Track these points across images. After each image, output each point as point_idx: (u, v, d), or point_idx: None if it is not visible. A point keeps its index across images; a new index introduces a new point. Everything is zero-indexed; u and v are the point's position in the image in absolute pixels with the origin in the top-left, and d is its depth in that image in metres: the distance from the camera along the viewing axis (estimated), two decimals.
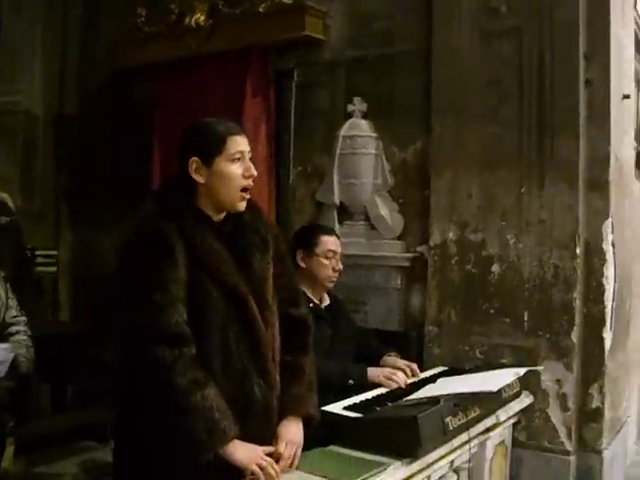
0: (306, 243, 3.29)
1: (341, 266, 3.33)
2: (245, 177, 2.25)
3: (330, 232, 3.40)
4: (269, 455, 2.17)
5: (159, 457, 2.12)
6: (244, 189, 2.25)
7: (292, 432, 2.29)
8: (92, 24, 6.05)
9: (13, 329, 2.55)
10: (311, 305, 3.22)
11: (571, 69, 3.75)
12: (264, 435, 2.22)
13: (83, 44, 6.13)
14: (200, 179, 2.23)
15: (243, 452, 2.09)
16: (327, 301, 3.38)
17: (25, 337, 2.58)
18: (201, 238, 2.20)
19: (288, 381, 2.33)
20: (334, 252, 3.30)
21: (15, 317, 2.57)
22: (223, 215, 2.31)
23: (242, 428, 2.10)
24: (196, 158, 2.22)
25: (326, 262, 3.26)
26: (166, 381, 2.03)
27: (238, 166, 2.24)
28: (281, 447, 2.23)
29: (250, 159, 2.29)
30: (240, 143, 2.26)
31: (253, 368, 2.20)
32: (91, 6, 6.07)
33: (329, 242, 3.31)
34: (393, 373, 3.13)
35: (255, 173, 2.28)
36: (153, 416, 2.10)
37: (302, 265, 3.26)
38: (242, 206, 2.27)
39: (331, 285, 3.36)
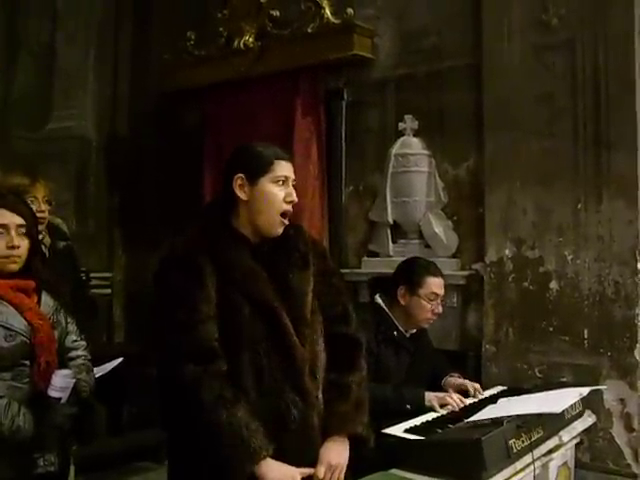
0: (411, 281, 3.22)
1: (441, 309, 3.26)
2: (286, 202, 2.26)
3: (437, 273, 3.28)
4: (307, 478, 2.13)
5: (202, 476, 2.12)
6: (283, 214, 2.27)
7: (334, 454, 2.21)
8: (142, 49, 6.16)
9: (73, 354, 2.55)
10: (395, 333, 3.21)
11: (627, 81, 3.68)
12: (304, 457, 2.17)
13: (134, 69, 6.25)
14: (243, 196, 2.25)
15: (276, 473, 2.05)
16: (413, 330, 3.33)
17: (85, 361, 2.58)
18: (234, 255, 2.21)
19: (333, 399, 2.26)
20: (437, 295, 3.22)
21: (75, 342, 2.58)
22: (260, 239, 2.31)
23: (279, 448, 2.06)
24: (241, 175, 2.25)
25: (427, 305, 3.19)
26: (192, 398, 2.04)
27: (281, 189, 2.26)
28: (320, 471, 2.17)
29: (294, 187, 2.31)
30: (286, 168, 2.29)
31: (287, 385, 2.17)
32: (141, 31, 6.19)
33: (434, 284, 3.22)
34: (448, 396, 3.08)
35: (296, 199, 2.29)
36: (185, 434, 2.11)
37: (401, 302, 3.21)
38: (279, 231, 2.28)
39: (426, 326, 3.32)
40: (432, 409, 2.99)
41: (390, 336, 3.18)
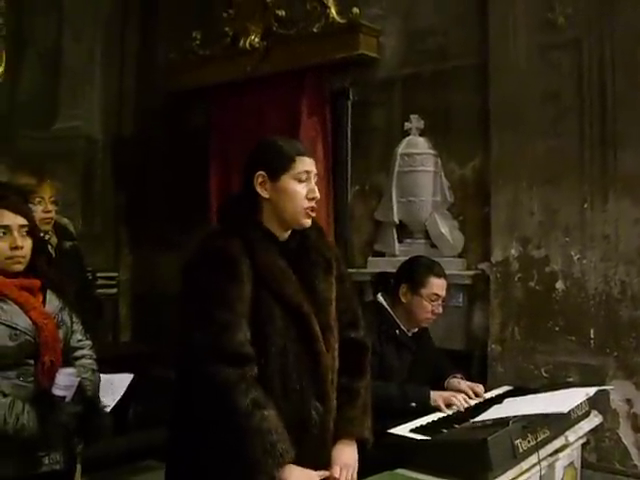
0: (413, 280, 3.20)
1: (441, 310, 3.24)
2: (308, 198, 2.23)
3: (440, 274, 3.25)
4: None
5: (213, 478, 2.12)
6: (307, 209, 2.24)
7: (346, 455, 2.25)
8: (148, 49, 6.18)
9: (78, 353, 2.56)
10: (397, 332, 3.20)
11: (633, 80, 3.67)
12: (319, 459, 2.19)
13: (140, 68, 6.27)
14: (264, 193, 2.23)
15: (298, 477, 2.05)
16: (415, 329, 3.32)
17: (90, 361, 2.58)
18: (266, 255, 2.18)
19: (343, 403, 2.29)
20: (438, 296, 3.21)
21: (80, 341, 2.58)
22: (288, 234, 2.29)
23: (298, 451, 2.06)
24: (262, 172, 2.22)
25: (427, 305, 3.18)
26: (228, 401, 2.02)
27: (303, 186, 2.23)
28: (336, 472, 2.20)
29: (316, 182, 2.28)
30: (307, 164, 2.26)
31: (311, 390, 2.18)
32: (147, 31, 6.21)
33: (436, 285, 3.20)
34: (453, 396, 3.07)
35: (318, 196, 2.27)
36: (210, 435, 2.09)
37: (402, 300, 3.20)
38: (307, 222, 2.26)
39: (425, 325, 3.31)
40: (437, 409, 2.99)
41: (392, 335, 3.17)
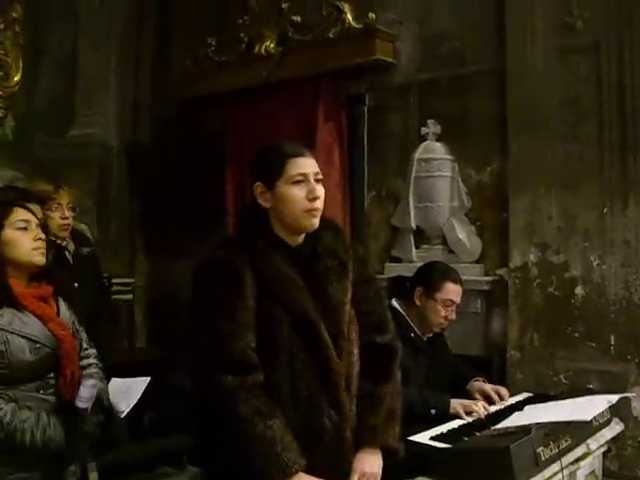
0: (429, 283, 3.21)
1: (454, 316, 3.23)
2: (309, 199, 2.17)
3: (457, 280, 3.25)
4: None
5: None
6: (310, 211, 2.18)
7: (367, 464, 2.18)
8: (163, 55, 6.18)
9: (84, 362, 2.55)
10: (413, 335, 3.19)
11: None
12: (336, 469, 2.14)
13: (155, 75, 6.26)
14: (265, 203, 2.21)
15: None
16: (430, 333, 3.31)
17: (97, 370, 2.58)
18: (273, 264, 2.16)
19: (365, 410, 2.24)
20: (453, 302, 3.21)
21: (86, 350, 2.58)
22: (301, 238, 2.26)
23: (311, 461, 2.03)
24: (260, 183, 2.21)
25: (441, 310, 3.18)
26: (229, 409, 2.02)
27: (300, 189, 2.17)
28: None
29: (318, 181, 2.21)
30: (302, 165, 2.19)
31: (323, 398, 2.14)
32: (162, 38, 6.21)
33: (452, 291, 3.20)
34: (473, 404, 3.04)
35: (320, 195, 2.19)
36: (219, 443, 2.09)
37: (417, 303, 3.20)
38: (314, 223, 2.20)
39: (437, 331, 3.29)
40: (457, 416, 2.96)
41: (408, 338, 3.14)
